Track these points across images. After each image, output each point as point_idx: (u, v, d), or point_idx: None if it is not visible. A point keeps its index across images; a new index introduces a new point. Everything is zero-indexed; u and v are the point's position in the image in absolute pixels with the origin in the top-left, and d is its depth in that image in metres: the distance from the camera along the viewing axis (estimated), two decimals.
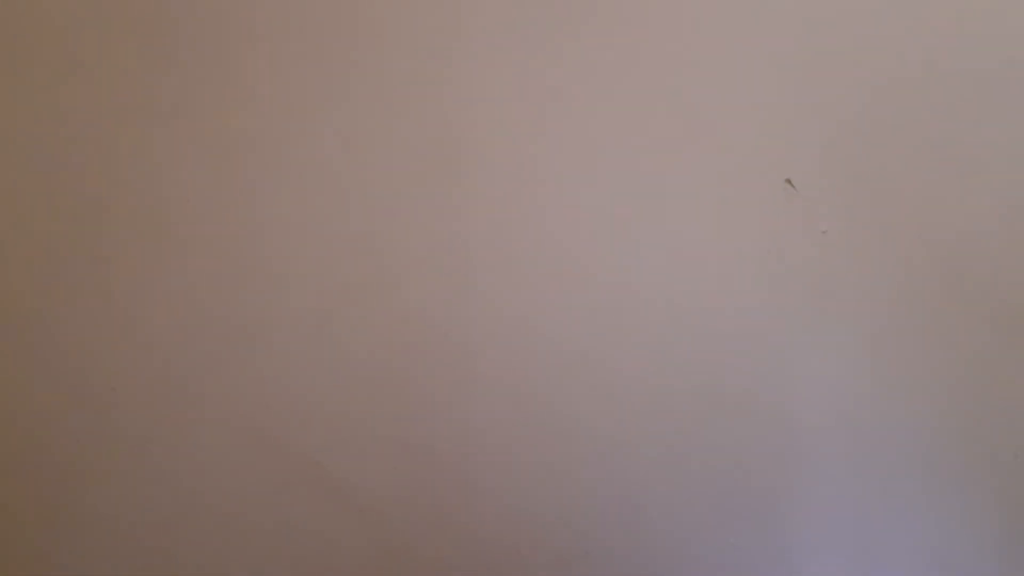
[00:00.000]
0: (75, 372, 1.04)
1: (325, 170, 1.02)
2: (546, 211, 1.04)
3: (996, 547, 1.05)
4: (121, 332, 1.03)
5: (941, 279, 1.02)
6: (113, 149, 1.01)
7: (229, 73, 1.01)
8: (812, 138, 1.01)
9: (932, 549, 1.06)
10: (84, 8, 0.99)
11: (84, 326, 1.03)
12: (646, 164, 1.03)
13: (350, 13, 1.00)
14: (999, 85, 0.99)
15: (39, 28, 1.00)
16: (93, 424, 1.04)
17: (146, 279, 1.03)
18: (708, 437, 1.06)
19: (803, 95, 1.01)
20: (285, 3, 1.00)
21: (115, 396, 1.04)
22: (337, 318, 1.04)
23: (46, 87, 1.00)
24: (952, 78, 0.99)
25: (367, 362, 1.05)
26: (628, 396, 1.06)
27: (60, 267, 1.02)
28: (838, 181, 1.01)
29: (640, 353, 1.05)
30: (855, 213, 1.02)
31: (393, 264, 1.04)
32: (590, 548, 1.08)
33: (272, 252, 1.03)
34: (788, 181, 1.02)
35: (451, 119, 1.02)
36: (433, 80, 1.01)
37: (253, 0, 1.00)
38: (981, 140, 1.00)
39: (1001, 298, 1.01)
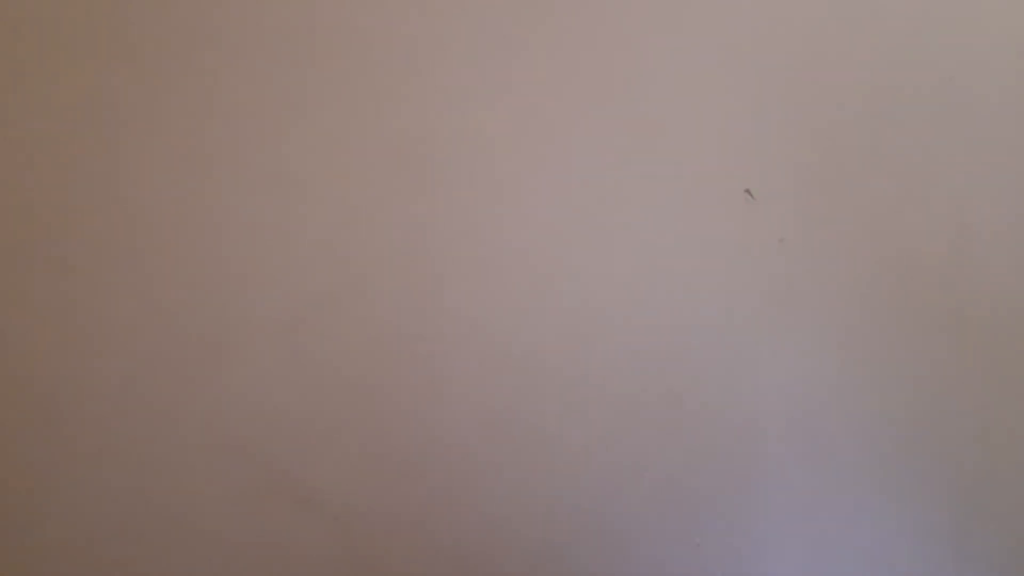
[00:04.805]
0: (37, 382, 1.01)
1: (292, 177, 1.01)
2: (512, 219, 1.05)
3: (948, 544, 1.09)
4: (84, 341, 1.00)
5: (895, 287, 1.05)
6: (76, 154, 0.99)
7: (195, 79, 0.99)
8: (770, 149, 1.04)
9: (887, 548, 1.09)
10: (50, 10, 0.98)
11: (45, 335, 1.00)
12: (608, 175, 1.04)
13: (318, 19, 1.00)
14: (952, 99, 1.03)
15: None
16: (55, 435, 1.01)
17: (109, 287, 1.00)
18: (673, 443, 1.08)
19: (762, 107, 1.04)
20: (252, 8, 0.99)
21: (79, 406, 1.01)
22: (305, 326, 1.03)
23: (7, 91, 0.98)
24: (906, 92, 1.03)
25: (335, 370, 1.04)
26: (595, 403, 1.07)
27: (21, 275, 1.00)
28: (796, 191, 1.04)
29: (605, 360, 1.07)
30: (812, 222, 1.05)
31: (361, 272, 1.03)
32: (561, 554, 1.09)
33: (239, 260, 1.02)
34: (747, 191, 1.04)
35: (418, 127, 1.02)
36: (400, 88, 1.01)
37: (220, 4, 0.99)
38: (934, 151, 1.04)
39: (953, 304, 1.05)
